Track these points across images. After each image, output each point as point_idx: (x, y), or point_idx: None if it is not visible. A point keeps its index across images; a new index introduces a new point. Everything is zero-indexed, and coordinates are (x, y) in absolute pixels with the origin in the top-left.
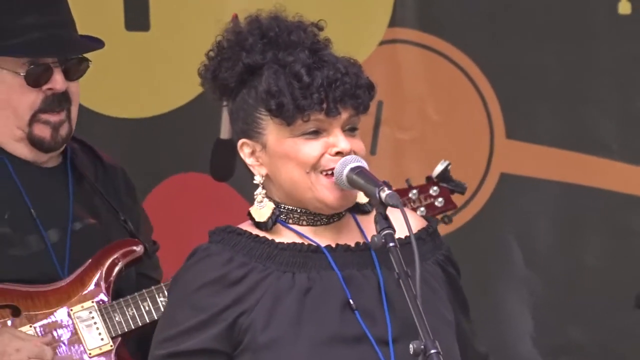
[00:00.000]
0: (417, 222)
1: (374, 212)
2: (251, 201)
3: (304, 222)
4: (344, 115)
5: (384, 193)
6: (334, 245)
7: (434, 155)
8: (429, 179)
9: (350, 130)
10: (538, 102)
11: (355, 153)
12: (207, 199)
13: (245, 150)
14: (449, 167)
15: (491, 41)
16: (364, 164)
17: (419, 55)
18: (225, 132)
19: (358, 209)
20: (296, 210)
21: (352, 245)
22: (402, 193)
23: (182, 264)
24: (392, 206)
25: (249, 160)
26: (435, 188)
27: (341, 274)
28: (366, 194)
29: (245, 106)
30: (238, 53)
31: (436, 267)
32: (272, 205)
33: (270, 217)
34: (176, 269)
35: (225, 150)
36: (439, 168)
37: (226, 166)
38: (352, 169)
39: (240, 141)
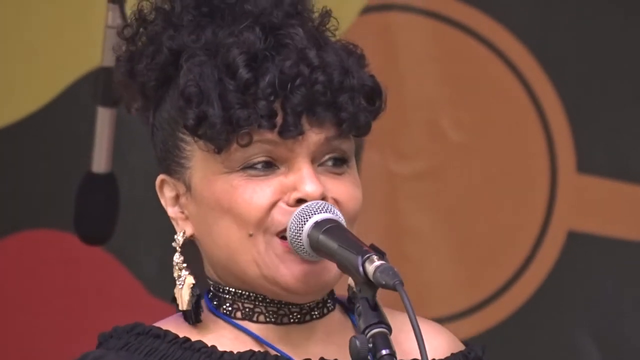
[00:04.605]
0: (442, 340)
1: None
2: (146, 278)
3: (261, 317)
4: (315, 136)
5: (372, 265)
6: None
7: (451, 202)
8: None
9: (332, 163)
10: (631, 110)
11: (336, 203)
12: (70, 274)
13: (166, 194)
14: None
15: (552, 14)
16: (338, 216)
17: (429, 30)
18: (100, 160)
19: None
20: (244, 294)
21: None
22: None
23: None
24: (387, 287)
25: (170, 211)
26: None
27: None
28: (341, 267)
29: (165, 122)
30: (162, 31)
31: None
32: (190, 281)
33: (190, 302)
34: None
35: (101, 191)
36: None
37: (102, 219)
38: (318, 224)
39: (159, 178)
